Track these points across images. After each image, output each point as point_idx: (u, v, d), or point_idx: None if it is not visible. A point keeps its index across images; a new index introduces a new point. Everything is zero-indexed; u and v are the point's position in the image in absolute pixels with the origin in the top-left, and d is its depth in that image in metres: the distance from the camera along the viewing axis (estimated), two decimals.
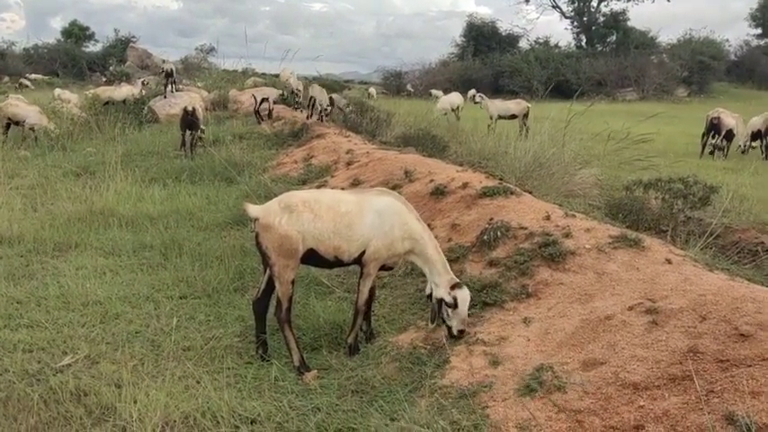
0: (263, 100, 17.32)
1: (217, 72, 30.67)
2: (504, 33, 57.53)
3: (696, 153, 16.63)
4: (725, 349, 3.44)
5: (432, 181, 7.66)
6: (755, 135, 16.45)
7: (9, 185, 10.59)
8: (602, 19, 57.15)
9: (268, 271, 4.67)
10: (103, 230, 8.10)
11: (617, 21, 55.82)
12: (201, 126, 14.37)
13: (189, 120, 13.81)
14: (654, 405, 3.28)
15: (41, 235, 7.70)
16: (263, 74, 37.11)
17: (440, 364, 4.29)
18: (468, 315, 4.67)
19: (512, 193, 6.57)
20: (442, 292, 4.50)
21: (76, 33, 60.04)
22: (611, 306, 4.27)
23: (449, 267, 4.67)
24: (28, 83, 37.43)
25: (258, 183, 10.58)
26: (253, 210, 4.58)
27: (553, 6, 59.41)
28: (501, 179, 7.44)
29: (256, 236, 4.59)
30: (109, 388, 4.21)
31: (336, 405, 4.03)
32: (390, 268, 4.91)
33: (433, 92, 40.06)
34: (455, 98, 24.35)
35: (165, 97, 19.69)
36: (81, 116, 17.65)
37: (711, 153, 16.37)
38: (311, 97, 15.76)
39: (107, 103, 19.55)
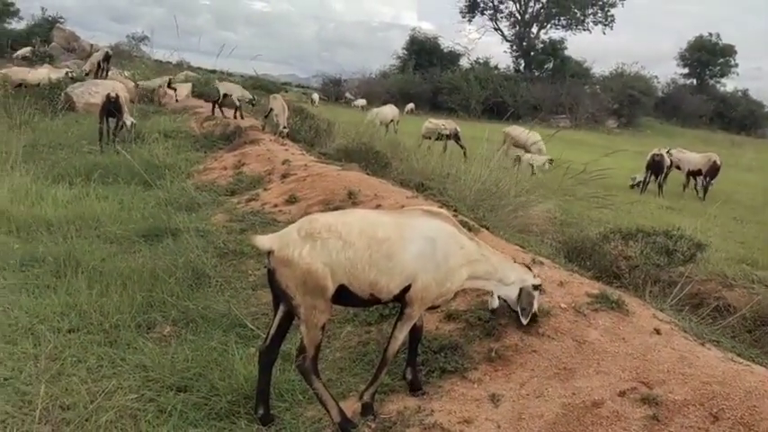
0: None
1: (146, 63, 28.85)
2: (445, 50, 57.64)
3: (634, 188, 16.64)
4: None
5: (378, 206, 6.86)
6: (694, 173, 16.51)
7: None
8: (540, 45, 58.20)
9: (279, 313, 3.75)
10: None
11: (555, 48, 56.95)
12: (130, 118, 13.06)
13: (110, 108, 12.52)
14: None
15: None
16: (199, 68, 35.47)
17: None
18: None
19: (469, 229, 5.80)
20: (529, 279, 4.01)
21: None
22: (597, 388, 3.55)
23: None
24: None
25: (181, 189, 9.48)
26: (265, 241, 3.60)
27: (495, 29, 60.13)
28: (456, 210, 6.71)
29: (271, 273, 3.61)
30: None
31: None
32: (436, 307, 4.01)
33: (358, 101, 39.18)
34: (388, 111, 22.41)
35: (103, 77, 18.03)
36: None
37: (634, 186, 16.48)
38: (224, 94, 15.09)
39: (19, 85, 17.74)
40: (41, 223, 7.34)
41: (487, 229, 6.32)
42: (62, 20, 51.15)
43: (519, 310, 4.01)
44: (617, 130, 46.00)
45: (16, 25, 54.90)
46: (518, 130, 18.44)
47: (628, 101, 49.33)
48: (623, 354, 3.79)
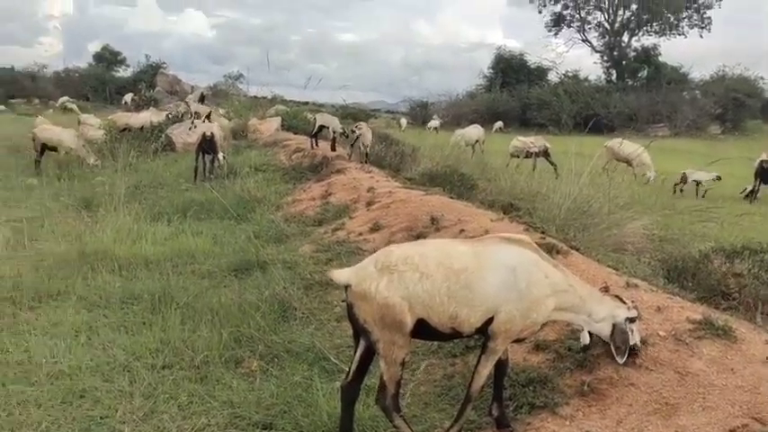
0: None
1: (239, 99, 30.10)
2: (532, 66, 56.58)
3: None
4: None
5: (462, 231, 6.71)
6: None
7: (3, 217, 9.85)
8: (632, 54, 56.14)
9: (360, 348, 3.70)
10: (93, 276, 7.20)
11: (648, 56, 54.70)
12: (223, 154, 13.68)
13: (206, 145, 13.24)
14: None
15: (22, 280, 6.85)
16: (291, 101, 36.66)
17: None
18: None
19: (558, 252, 5.57)
20: (622, 313, 3.70)
21: (108, 58, 60.72)
22: (704, 426, 3.24)
23: None
24: (73, 106, 37.23)
25: (270, 222, 9.71)
26: (342, 275, 3.61)
27: (583, 40, 58.58)
28: (543, 232, 6.45)
29: (349, 307, 3.61)
30: None
31: None
32: (522, 340, 3.86)
33: (432, 123, 39.23)
34: (472, 132, 22.36)
35: (193, 121, 18.84)
36: (101, 142, 17.28)
37: (747, 197, 15.25)
38: (320, 126, 14.99)
39: (124, 129, 18.94)
40: (141, 261, 7.69)
41: (578, 250, 6.03)
42: (165, 65, 54.81)
43: (613, 348, 3.72)
44: (721, 136, 43.36)
45: (123, 73, 59.49)
46: (621, 143, 17.46)
47: (732, 105, 46.48)
48: (732, 386, 3.45)
